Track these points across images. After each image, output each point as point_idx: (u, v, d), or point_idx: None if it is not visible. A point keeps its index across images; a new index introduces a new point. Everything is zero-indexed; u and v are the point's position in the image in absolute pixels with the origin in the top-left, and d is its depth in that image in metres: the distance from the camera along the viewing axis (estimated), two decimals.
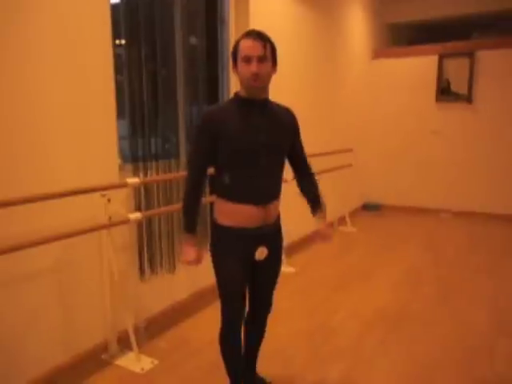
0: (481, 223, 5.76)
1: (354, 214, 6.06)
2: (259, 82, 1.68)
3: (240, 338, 1.92)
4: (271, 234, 1.86)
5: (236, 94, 1.77)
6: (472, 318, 3.00)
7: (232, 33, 3.55)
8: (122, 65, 2.61)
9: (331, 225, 1.89)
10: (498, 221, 5.81)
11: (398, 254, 4.47)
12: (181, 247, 1.74)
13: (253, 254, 1.80)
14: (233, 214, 1.75)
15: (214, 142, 1.70)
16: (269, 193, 1.80)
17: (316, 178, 2.02)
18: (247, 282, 1.87)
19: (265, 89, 1.75)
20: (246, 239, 1.78)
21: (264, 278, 1.93)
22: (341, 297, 3.38)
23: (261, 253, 1.81)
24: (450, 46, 6.01)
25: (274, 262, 1.92)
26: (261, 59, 1.65)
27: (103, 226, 2.32)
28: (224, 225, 1.78)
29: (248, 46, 1.66)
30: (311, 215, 1.96)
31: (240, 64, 1.68)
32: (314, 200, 1.96)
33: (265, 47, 1.66)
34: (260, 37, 1.67)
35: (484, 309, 3.16)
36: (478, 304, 3.24)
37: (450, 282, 3.68)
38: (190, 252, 1.83)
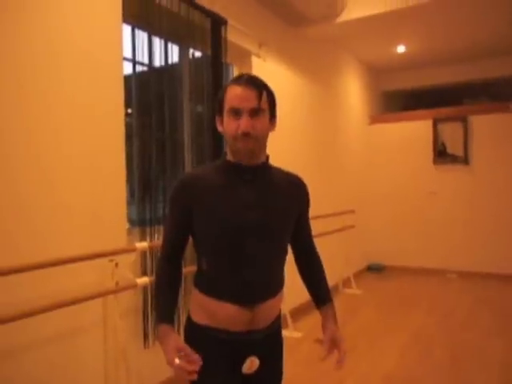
0: (487, 283, 5.68)
1: (358, 275, 6.00)
2: (250, 145, 1.24)
3: None
4: (265, 341, 1.35)
5: (224, 156, 1.34)
6: None
7: None
8: (132, 132, 2.75)
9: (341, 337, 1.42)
10: (504, 281, 5.74)
11: (404, 317, 4.38)
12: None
13: (239, 366, 1.31)
14: (210, 311, 1.30)
15: (187, 216, 1.29)
16: (260, 290, 1.30)
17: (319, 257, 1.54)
18: None
19: (259, 151, 1.29)
20: (229, 346, 1.29)
21: None
22: (349, 363, 3.24)
23: (250, 365, 1.32)
24: (443, 111, 6.28)
25: (270, 375, 1.39)
26: (254, 112, 1.23)
27: (110, 292, 2.32)
28: (199, 323, 1.33)
29: (237, 95, 1.23)
30: (316, 307, 1.49)
31: (226, 118, 1.26)
32: (323, 294, 1.48)
33: (260, 96, 1.24)
34: (253, 83, 1.25)
35: (495, 375, 3.05)
36: (490, 369, 3.13)
37: (459, 346, 3.58)
38: (171, 350, 1.16)
